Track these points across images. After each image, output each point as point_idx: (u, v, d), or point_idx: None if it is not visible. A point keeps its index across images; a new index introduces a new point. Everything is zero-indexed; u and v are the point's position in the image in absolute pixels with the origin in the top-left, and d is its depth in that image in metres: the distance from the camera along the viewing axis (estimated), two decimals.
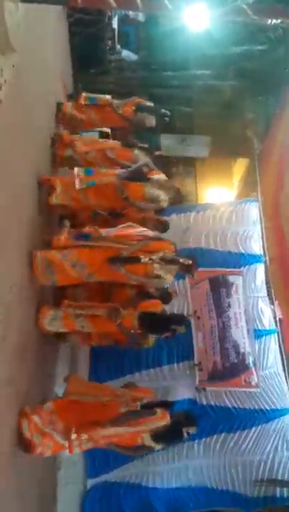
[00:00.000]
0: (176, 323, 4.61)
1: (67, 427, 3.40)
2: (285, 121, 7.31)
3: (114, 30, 7.15)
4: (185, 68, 7.67)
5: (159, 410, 3.59)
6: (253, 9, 2.42)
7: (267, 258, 6.88)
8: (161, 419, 3.53)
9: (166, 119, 5.64)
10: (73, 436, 3.34)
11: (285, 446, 5.60)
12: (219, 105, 7.90)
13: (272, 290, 6.70)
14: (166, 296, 4.93)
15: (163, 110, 5.59)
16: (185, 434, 3.79)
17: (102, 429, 3.38)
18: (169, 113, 5.66)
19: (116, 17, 7.13)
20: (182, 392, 5.51)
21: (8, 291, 3.08)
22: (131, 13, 7.46)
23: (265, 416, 5.72)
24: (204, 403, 5.64)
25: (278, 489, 5.40)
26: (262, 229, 7.07)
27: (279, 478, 5.46)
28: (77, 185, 4.29)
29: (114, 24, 7.11)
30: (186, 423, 3.75)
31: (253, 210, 7.27)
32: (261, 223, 7.12)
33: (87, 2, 2.42)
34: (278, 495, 5.37)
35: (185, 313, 6.03)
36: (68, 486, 4.70)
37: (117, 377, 5.53)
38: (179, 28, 6.80)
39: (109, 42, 7.15)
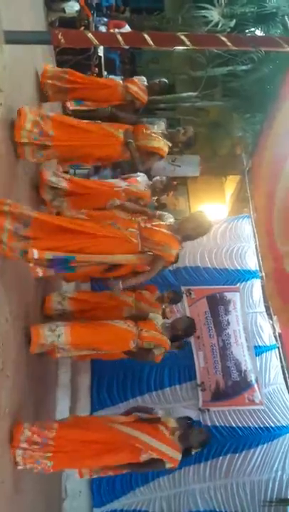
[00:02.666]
0: (186, 335, 4.45)
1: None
2: (273, 138, 7.42)
3: (100, 57, 7.31)
4: (171, 91, 7.82)
5: (168, 463, 3.37)
6: (231, 40, 2.49)
7: (263, 273, 6.92)
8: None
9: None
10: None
11: None
12: (208, 125, 8.04)
13: (271, 305, 6.71)
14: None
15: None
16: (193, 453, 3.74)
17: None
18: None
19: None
20: (186, 414, 5.46)
21: (4, 322, 3.09)
22: None
23: (270, 433, 5.67)
24: (209, 424, 5.57)
25: (288, 509, 5.33)
26: (256, 244, 7.13)
27: (288, 497, 5.39)
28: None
29: (100, 52, 7.27)
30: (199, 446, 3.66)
31: (247, 226, 7.36)
32: (255, 239, 7.19)
33: (70, 41, 2.50)
34: None
35: None
36: None
37: (121, 402, 5.48)
38: (162, 52, 6.96)
39: (96, 69, 7.30)
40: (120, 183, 4.39)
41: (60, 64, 6.75)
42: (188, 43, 2.47)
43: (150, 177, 5.22)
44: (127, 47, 7.83)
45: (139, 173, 4.45)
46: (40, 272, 2.94)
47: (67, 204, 4.29)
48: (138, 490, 5.07)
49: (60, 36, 2.46)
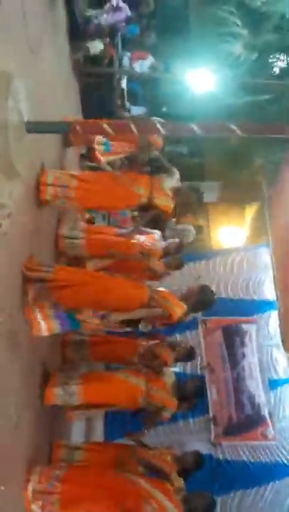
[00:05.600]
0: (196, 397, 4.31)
1: None
2: None
3: (123, 90, 7.47)
4: (192, 120, 7.89)
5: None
6: (241, 128, 2.59)
7: (281, 304, 6.90)
8: None
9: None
10: None
11: None
12: (229, 153, 8.08)
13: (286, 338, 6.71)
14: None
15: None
16: None
17: None
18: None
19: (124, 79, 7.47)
20: (197, 447, 5.57)
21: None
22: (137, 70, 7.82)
23: (282, 470, 5.71)
24: (220, 458, 5.68)
25: None
26: (274, 274, 7.12)
27: None
28: None
29: (123, 84, 7.44)
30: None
31: (264, 256, 7.33)
32: (273, 269, 7.18)
33: (87, 130, 2.66)
34: None
35: (198, 366, 6.13)
36: None
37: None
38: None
39: (119, 101, 7.42)
40: (138, 237, 4.46)
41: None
42: (198, 131, 2.59)
43: None
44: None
45: (155, 231, 4.54)
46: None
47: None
48: None
49: (78, 127, 2.63)
